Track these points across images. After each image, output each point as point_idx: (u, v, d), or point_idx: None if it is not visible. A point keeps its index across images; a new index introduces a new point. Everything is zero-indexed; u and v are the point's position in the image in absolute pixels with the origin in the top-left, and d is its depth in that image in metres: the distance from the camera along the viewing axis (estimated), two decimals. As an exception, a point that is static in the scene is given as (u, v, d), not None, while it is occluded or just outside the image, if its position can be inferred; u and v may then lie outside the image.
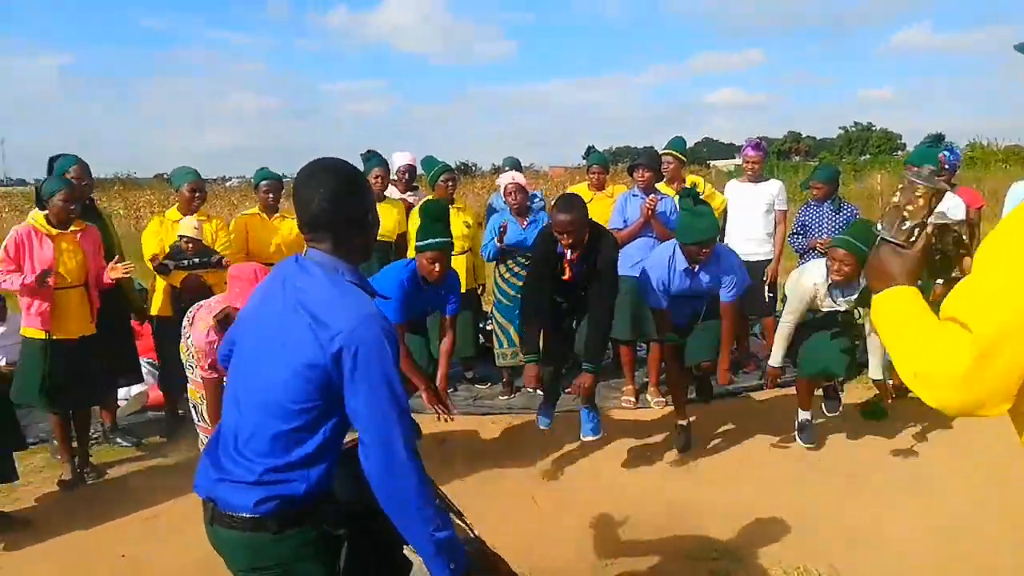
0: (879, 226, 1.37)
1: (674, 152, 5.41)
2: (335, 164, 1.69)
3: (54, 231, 3.94)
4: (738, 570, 3.07)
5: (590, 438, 4.11)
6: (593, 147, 6.08)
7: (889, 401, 4.26)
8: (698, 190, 4.34)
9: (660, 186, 5.29)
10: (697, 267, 3.92)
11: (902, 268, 1.32)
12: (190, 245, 4.54)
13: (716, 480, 3.98)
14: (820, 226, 5.19)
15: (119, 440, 4.67)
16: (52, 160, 4.31)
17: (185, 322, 3.50)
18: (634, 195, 5.10)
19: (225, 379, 3.22)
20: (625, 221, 5.02)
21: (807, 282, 4.03)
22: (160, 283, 4.61)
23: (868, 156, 35.90)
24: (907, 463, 4.07)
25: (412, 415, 1.65)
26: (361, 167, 5.60)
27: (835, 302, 4.00)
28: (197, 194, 4.77)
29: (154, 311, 4.67)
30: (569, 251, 3.72)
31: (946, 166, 4.78)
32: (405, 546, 1.75)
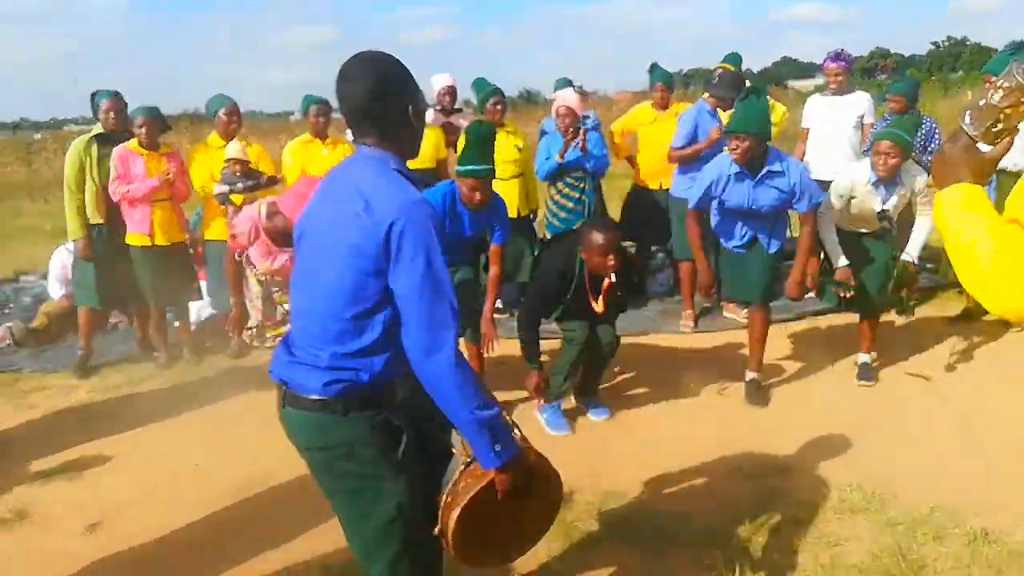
0: (965, 119, 1.27)
1: (727, 66, 5.14)
2: (374, 56, 1.70)
3: (144, 151, 4.56)
4: (792, 488, 3.04)
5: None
6: (657, 64, 5.76)
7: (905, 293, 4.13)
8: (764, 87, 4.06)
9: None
10: (758, 176, 3.63)
11: (974, 168, 1.26)
12: (238, 167, 4.68)
13: (774, 400, 3.91)
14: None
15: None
16: (92, 96, 4.70)
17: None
18: (711, 113, 4.95)
19: (239, 255, 3.69)
20: (694, 136, 4.86)
21: (843, 180, 3.86)
22: (215, 208, 4.77)
23: (960, 73, 33.44)
24: (970, 394, 3.89)
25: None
26: None
27: (882, 200, 3.80)
28: (234, 119, 4.93)
29: (211, 236, 4.95)
30: (611, 276, 3.49)
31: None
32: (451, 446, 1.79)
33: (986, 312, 4.41)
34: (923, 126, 4.88)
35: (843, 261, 3.88)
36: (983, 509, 2.76)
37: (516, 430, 1.83)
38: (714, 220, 3.98)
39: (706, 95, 5.10)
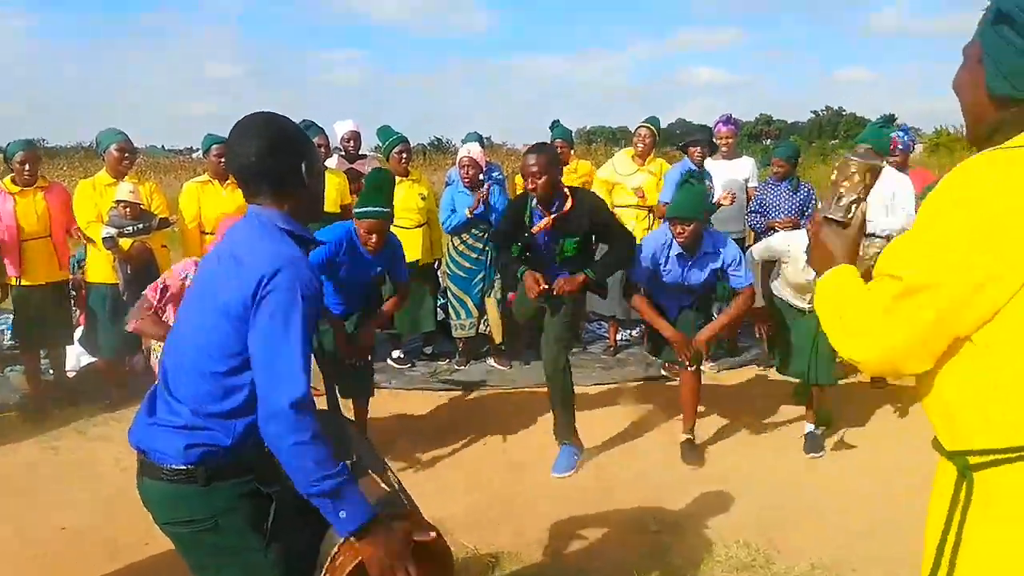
0: (819, 206, 1.41)
1: (650, 126, 5.53)
2: (264, 116, 1.67)
3: (16, 189, 4.50)
4: (678, 543, 3.09)
5: (559, 474, 3.76)
6: (558, 121, 6.01)
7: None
8: (699, 172, 4.23)
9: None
10: (691, 254, 3.76)
11: (842, 246, 1.35)
12: (128, 210, 4.42)
13: (658, 454, 4.01)
14: (778, 205, 5.22)
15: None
16: None
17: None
18: (689, 168, 5.13)
19: (160, 312, 3.38)
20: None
21: (782, 240, 3.99)
22: (97, 247, 4.50)
23: (837, 140, 36.27)
24: (864, 447, 4.08)
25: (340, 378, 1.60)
26: None
27: (812, 272, 3.94)
28: (126, 155, 4.68)
29: (92, 278, 4.67)
30: (540, 206, 3.61)
31: (899, 146, 4.82)
32: None
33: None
34: (801, 191, 5.24)
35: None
36: (860, 565, 2.89)
37: (399, 496, 1.79)
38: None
39: (689, 147, 5.34)
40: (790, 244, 3.94)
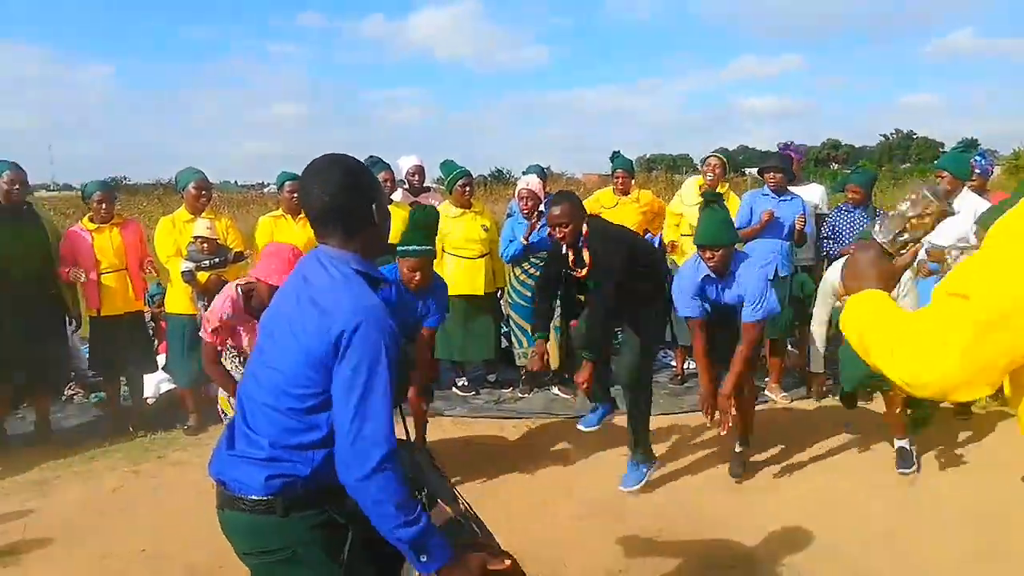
0: (875, 228, 1.34)
1: (721, 156, 5.52)
2: (337, 158, 1.71)
3: (93, 227, 4.77)
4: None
5: (627, 488, 3.82)
6: (618, 152, 6.01)
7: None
8: (720, 196, 4.15)
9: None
10: (720, 277, 3.71)
11: (882, 274, 1.29)
12: (205, 245, 4.64)
13: (744, 489, 3.91)
14: (852, 232, 5.08)
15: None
16: None
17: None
18: (764, 194, 5.17)
19: (221, 348, 3.42)
20: (749, 221, 5.09)
21: (831, 275, 3.94)
22: (176, 280, 4.74)
23: (908, 164, 35.14)
24: (951, 485, 3.91)
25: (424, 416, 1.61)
26: None
27: None
28: (203, 192, 4.93)
29: (171, 309, 4.89)
30: (565, 246, 3.65)
31: (977, 170, 4.67)
32: None
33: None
34: (876, 219, 5.10)
35: (820, 367, 3.90)
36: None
37: (471, 525, 1.79)
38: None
39: (763, 173, 5.29)
40: (837, 277, 3.87)
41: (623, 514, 3.62)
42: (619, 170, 5.79)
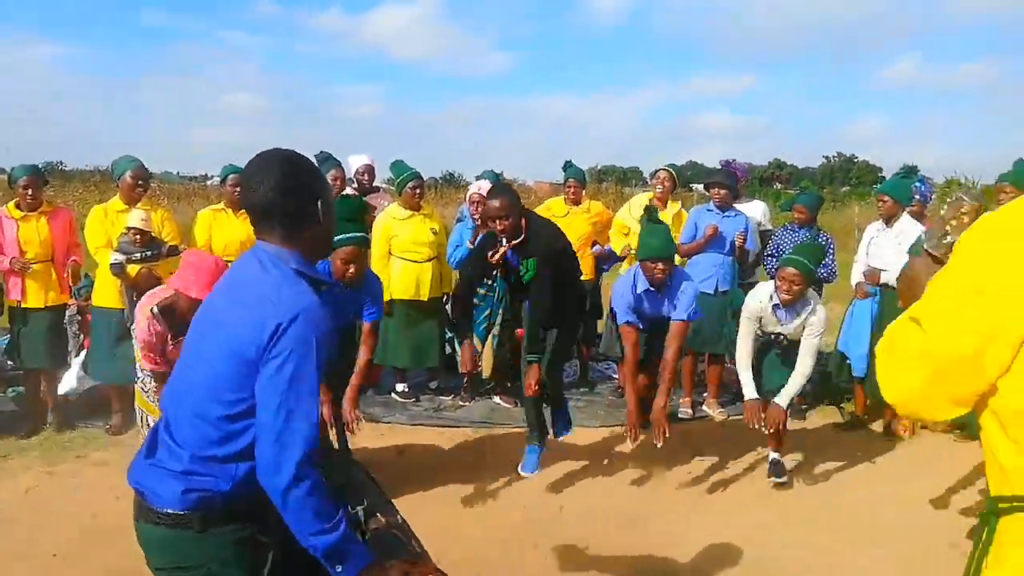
0: (922, 236, 1.43)
1: (670, 170, 5.60)
2: (281, 152, 1.64)
3: (18, 214, 4.54)
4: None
5: (527, 474, 3.88)
6: (570, 162, 6.02)
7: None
8: (657, 210, 4.27)
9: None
10: (659, 290, 3.83)
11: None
12: (138, 237, 4.41)
13: (665, 496, 3.93)
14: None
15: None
16: None
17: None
18: (709, 210, 5.23)
19: (154, 368, 3.16)
20: (694, 236, 5.15)
21: (753, 301, 4.02)
22: (104, 272, 4.51)
23: (848, 187, 36.37)
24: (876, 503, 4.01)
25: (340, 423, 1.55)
26: None
27: (780, 324, 3.95)
28: (140, 183, 4.71)
29: (98, 302, 4.65)
30: (504, 239, 3.61)
31: (917, 196, 4.82)
32: None
33: (871, 419, 4.80)
34: (820, 239, 5.20)
35: (752, 393, 3.91)
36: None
37: (411, 541, 1.74)
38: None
39: (710, 189, 5.36)
40: (762, 301, 3.97)
41: (557, 526, 3.60)
42: (571, 179, 5.81)
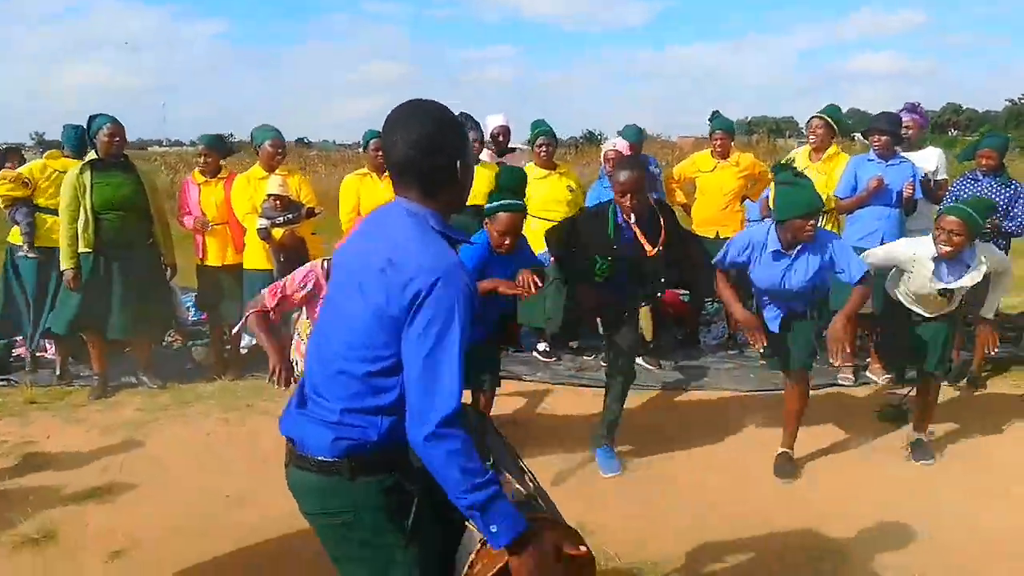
0: None
1: (826, 117, 5.08)
2: (425, 106, 1.59)
3: (201, 180, 5.07)
4: (846, 571, 2.80)
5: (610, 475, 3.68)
6: (718, 112, 5.66)
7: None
8: (794, 165, 3.78)
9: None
10: (794, 253, 3.40)
11: None
12: (278, 202, 4.68)
13: (821, 474, 3.68)
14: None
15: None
16: (90, 121, 4.72)
17: None
18: (869, 159, 4.81)
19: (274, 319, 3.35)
20: (854, 188, 4.74)
21: (905, 248, 3.63)
22: (253, 236, 4.82)
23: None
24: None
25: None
26: None
27: (938, 280, 3.50)
28: (279, 150, 5.00)
29: (248, 264, 4.97)
30: (632, 216, 3.42)
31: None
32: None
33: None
34: (1009, 188, 4.61)
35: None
36: None
37: (537, 500, 1.70)
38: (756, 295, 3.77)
39: (870, 136, 4.87)
40: (916, 252, 3.53)
41: (704, 494, 3.47)
42: (718, 131, 5.48)
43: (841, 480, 3.61)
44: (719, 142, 5.47)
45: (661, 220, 3.53)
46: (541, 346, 5.47)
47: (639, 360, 5.28)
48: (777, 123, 46.70)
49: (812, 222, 3.34)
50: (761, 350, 3.61)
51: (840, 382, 4.85)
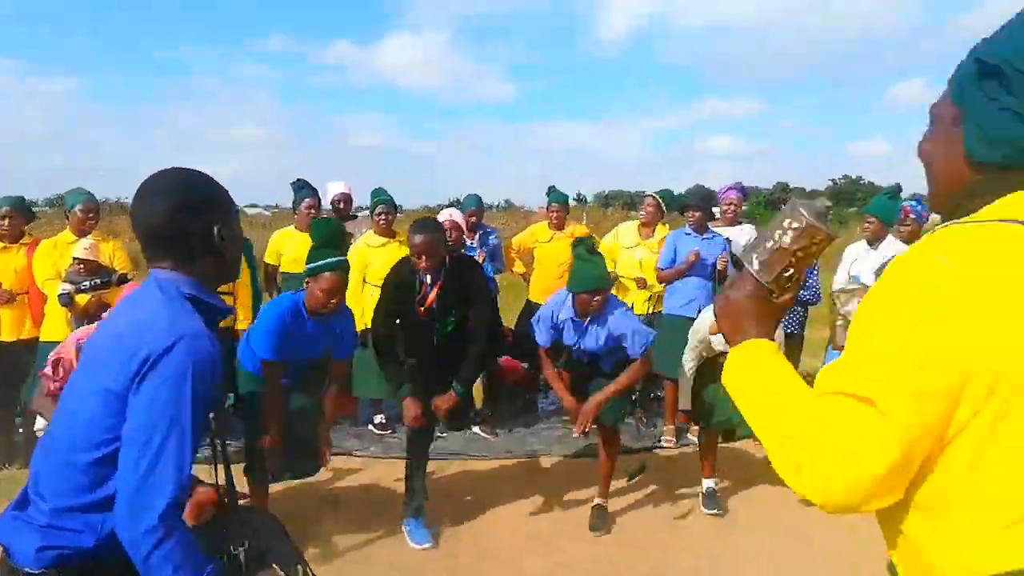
0: (753, 264, 1.12)
1: (657, 197, 5.47)
2: (175, 174, 1.51)
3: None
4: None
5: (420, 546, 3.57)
6: (553, 187, 5.94)
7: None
8: (593, 241, 4.03)
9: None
10: (587, 321, 3.61)
11: (763, 317, 1.11)
12: (83, 267, 4.33)
13: (635, 541, 3.74)
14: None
15: None
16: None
17: None
18: (687, 233, 5.05)
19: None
20: (674, 261, 4.97)
21: (700, 322, 3.87)
22: (53, 305, 4.41)
23: (854, 208, 36.17)
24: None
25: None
26: (292, 196, 5.44)
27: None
28: (90, 215, 4.67)
29: (44, 336, 4.50)
30: (428, 277, 3.44)
31: (911, 215, 4.64)
32: None
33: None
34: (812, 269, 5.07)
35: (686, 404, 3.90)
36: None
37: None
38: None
39: (685, 212, 5.14)
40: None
41: (515, 564, 3.42)
42: (554, 204, 5.75)
43: (653, 538, 3.68)
44: (555, 214, 5.70)
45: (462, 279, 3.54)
46: (378, 418, 5.31)
47: (475, 429, 5.25)
48: (631, 196, 49.55)
49: (598, 297, 3.51)
50: (579, 436, 3.70)
51: (663, 444, 5.03)
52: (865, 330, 0.92)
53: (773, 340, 1.11)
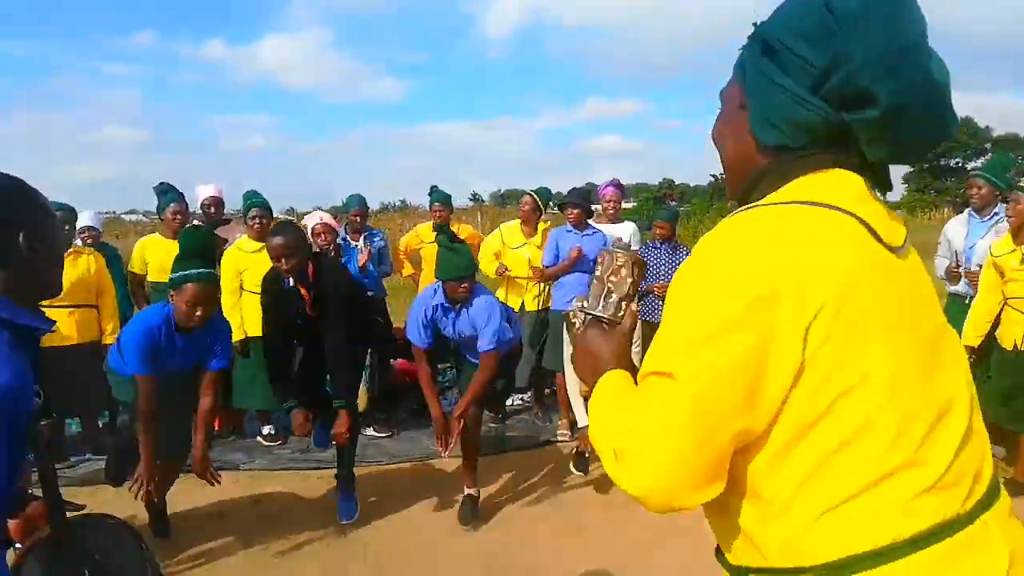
0: (582, 304, 1.19)
1: (534, 195, 5.62)
2: None
3: None
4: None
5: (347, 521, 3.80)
6: (435, 187, 5.97)
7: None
8: (453, 231, 4.14)
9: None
10: (458, 308, 3.71)
11: (612, 349, 1.12)
12: None
13: (534, 536, 3.81)
14: (657, 268, 5.26)
15: None
16: None
17: None
18: (568, 231, 5.13)
19: None
20: (557, 256, 5.04)
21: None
22: None
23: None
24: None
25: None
26: (156, 200, 5.17)
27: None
28: None
29: None
30: (292, 279, 3.49)
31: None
32: None
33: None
34: (679, 252, 5.30)
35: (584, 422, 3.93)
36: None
37: None
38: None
39: (565, 209, 5.23)
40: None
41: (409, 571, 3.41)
42: (436, 203, 5.77)
43: (529, 529, 3.75)
44: (438, 214, 5.70)
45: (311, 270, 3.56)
46: (266, 429, 5.14)
47: (369, 430, 5.17)
48: (569, 192, 50.17)
49: (465, 284, 3.62)
50: (442, 453, 3.84)
51: (559, 438, 5.13)
52: (667, 312, 0.95)
53: (627, 368, 1.10)
